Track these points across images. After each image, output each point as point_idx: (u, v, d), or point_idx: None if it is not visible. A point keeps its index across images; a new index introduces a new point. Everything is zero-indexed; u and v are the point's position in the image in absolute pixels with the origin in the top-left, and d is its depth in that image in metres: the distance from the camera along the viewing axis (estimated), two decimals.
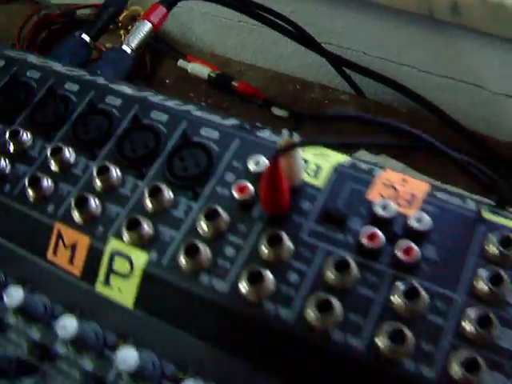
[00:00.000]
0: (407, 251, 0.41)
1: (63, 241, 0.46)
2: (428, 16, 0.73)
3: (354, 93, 0.84)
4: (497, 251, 0.41)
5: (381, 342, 0.38)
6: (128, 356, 0.41)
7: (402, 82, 0.80)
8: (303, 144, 0.40)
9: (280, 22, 0.77)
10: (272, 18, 0.78)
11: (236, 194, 0.44)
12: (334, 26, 0.82)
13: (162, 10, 0.71)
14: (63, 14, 0.89)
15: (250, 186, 0.44)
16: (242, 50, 0.91)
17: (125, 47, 0.68)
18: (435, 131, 0.56)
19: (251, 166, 0.45)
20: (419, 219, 0.42)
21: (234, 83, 0.81)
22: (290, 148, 0.39)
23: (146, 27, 0.70)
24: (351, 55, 0.83)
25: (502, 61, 0.74)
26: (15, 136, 0.49)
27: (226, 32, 0.89)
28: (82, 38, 0.69)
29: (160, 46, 0.89)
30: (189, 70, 0.84)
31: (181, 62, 0.85)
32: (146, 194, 0.45)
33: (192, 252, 0.42)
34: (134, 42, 0.69)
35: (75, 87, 0.52)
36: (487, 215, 0.42)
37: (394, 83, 0.81)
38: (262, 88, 0.82)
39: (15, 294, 0.44)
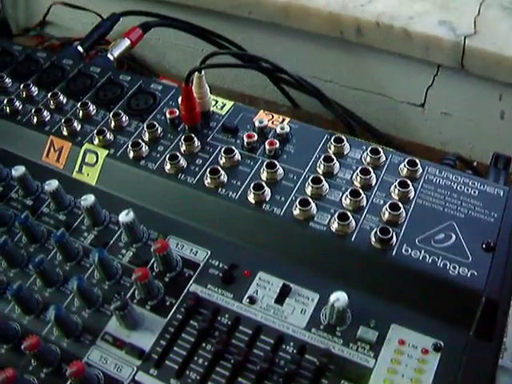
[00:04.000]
0: (271, 143, 0.70)
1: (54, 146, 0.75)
2: (340, 38, 1.04)
3: (291, 105, 1.15)
4: (333, 149, 0.70)
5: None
6: None
7: (327, 95, 1.10)
8: (205, 67, 0.70)
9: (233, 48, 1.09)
10: (226, 44, 1.10)
11: (168, 115, 0.74)
12: (273, 51, 1.13)
13: (138, 31, 1.03)
14: (63, 43, 1.21)
15: (177, 111, 0.74)
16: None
17: (109, 55, 0.99)
18: (354, 135, 0.87)
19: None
20: (282, 128, 0.71)
21: None
22: (195, 70, 0.69)
23: (125, 43, 1.02)
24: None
25: (402, 74, 1.05)
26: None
27: (192, 59, 1.21)
28: (77, 48, 1.00)
29: (139, 70, 1.21)
30: None
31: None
32: (111, 119, 0.75)
33: (136, 145, 0.71)
34: (116, 52, 1.00)
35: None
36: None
37: (320, 96, 1.11)
38: None
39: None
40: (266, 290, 0.62)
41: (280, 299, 0.61)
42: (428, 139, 1.06)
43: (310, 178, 0.66)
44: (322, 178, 0.65)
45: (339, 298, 0.57)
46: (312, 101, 1.06)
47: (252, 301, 0.61)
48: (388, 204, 0.63)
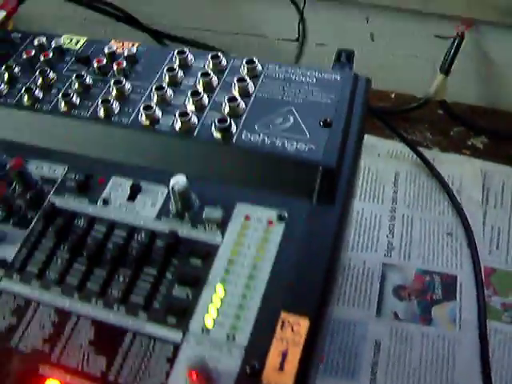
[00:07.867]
0: (118, 64, 0.74)
1: None
2: None
3: None
4: (177, 61, 0.75)
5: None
6: None
7: (206, 43, 1.16)
8: None
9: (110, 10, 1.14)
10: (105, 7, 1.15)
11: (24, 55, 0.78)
12: (150, 8, 1.18)
13: (13, 1, 1.07)
14: None
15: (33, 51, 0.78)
16: None
17: None
18: None
19: None
20: (130, 50, 0.76)
21: None
22: None
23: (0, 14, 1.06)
24: (168, 29, 1.19)
25: (273, 11, 1.11)
26: None
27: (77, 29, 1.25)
28: None
29: None
30: None
31: None
32: None
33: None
34: None
35: None
36: None
37: (200, 45, 1.17)
38: None
39: None
40: (118, 192, 0.66)
41: (132, 197, 0.65)
42: None
43: (154, 86, 0.70)
44: (165, 85, 0.70)
45: (178, 180, 0.61)
46: None
47: (106, 202, 0.65)
48: (226, 98, 0.68)
